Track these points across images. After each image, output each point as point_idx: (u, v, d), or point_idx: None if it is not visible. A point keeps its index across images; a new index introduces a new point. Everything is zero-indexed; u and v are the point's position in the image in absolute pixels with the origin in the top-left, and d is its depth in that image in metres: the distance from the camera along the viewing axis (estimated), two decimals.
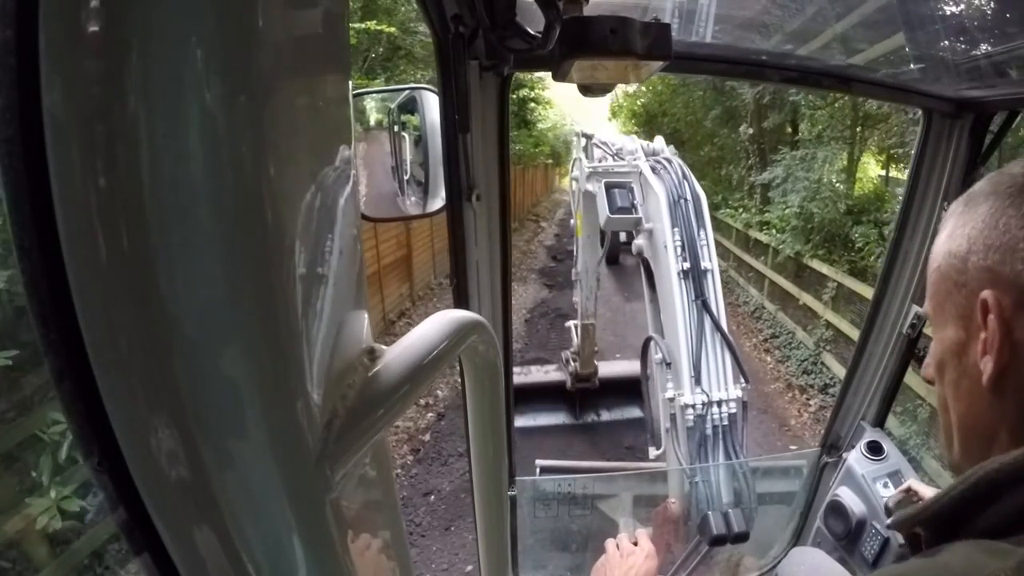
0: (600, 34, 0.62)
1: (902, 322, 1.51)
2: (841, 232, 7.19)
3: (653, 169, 2.11)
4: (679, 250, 1.81)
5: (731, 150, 11.52)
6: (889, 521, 1.05)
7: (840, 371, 5.85)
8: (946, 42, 1.12)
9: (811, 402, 5.89)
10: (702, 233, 1.87)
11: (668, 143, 2.82)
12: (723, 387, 1.66)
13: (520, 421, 4.27)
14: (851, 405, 1.69)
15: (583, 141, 3.14)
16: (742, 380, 1.70)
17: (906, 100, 1.38)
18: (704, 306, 1.74)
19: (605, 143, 2.93)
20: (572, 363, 4.54)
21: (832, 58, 1.28)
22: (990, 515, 0.40)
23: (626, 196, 2.25)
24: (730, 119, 10.93)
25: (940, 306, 0.51)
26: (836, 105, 8.17)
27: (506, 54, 0.91)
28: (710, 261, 1.82)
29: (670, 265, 1.80)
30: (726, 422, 1.64)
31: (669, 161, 2.19)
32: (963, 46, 1.11)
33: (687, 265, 1.79)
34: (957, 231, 0.49)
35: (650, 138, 2.93)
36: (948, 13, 1.04)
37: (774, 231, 8.34)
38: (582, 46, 0.63)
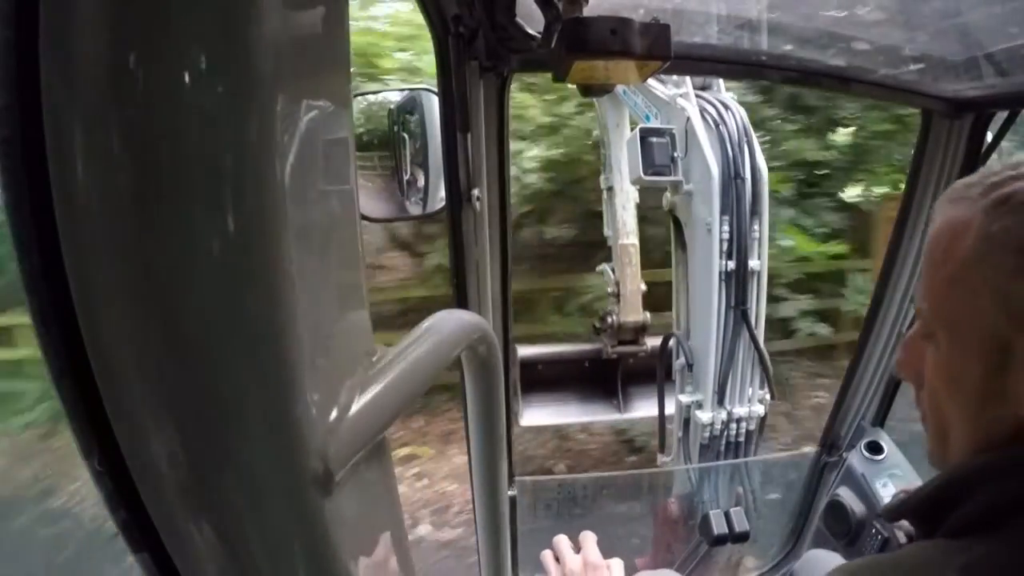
0: (600, 35, 0.62)
1: (902, 322, 1.51)
2: None
3: (704, 117, 1.59)
4: (725, 245, 1.47)
5: None
6: (880, 511, 1.05)
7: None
8: (946, 42, 1.12)
9: None
10: (755, 225, 1.49)
11: None
12: (746, 403, 1.54)
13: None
14: (851, 405, 1.68)
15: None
16: (768, 396, 1.57)
17: (906, 100, 1.38)
18: (743, 316, 1.50)
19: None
20: (610, 319, 2.49)
21: (832, 58, 1.28)
22: (966, 509, 0.41)
23: (665, 150, 1.63)
24: None
25: None
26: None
27: (506, 54, 0.91)
28: (759, 260, 1.50)
29: (712, 260, 1.48)
30: (742, 439, 1.56)
31: (727, 108, 1.61)
32: (963, 46, 1.11)
33: (732, 265, 1.47)
34: None
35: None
36: (948, 13, 1.04)
37: None
38: (582, 46, 0.63)
